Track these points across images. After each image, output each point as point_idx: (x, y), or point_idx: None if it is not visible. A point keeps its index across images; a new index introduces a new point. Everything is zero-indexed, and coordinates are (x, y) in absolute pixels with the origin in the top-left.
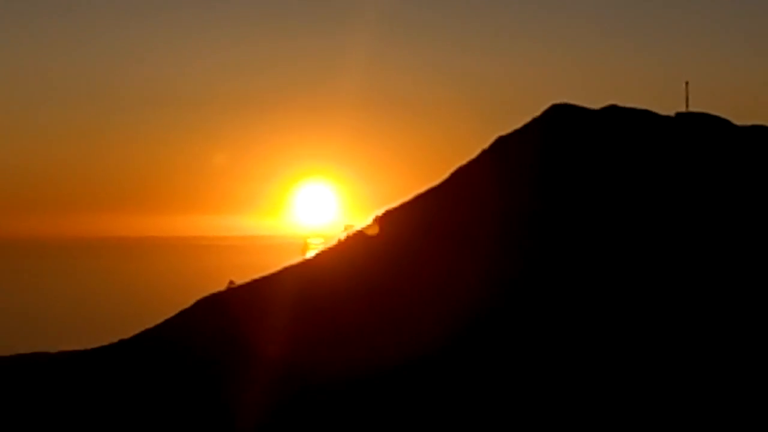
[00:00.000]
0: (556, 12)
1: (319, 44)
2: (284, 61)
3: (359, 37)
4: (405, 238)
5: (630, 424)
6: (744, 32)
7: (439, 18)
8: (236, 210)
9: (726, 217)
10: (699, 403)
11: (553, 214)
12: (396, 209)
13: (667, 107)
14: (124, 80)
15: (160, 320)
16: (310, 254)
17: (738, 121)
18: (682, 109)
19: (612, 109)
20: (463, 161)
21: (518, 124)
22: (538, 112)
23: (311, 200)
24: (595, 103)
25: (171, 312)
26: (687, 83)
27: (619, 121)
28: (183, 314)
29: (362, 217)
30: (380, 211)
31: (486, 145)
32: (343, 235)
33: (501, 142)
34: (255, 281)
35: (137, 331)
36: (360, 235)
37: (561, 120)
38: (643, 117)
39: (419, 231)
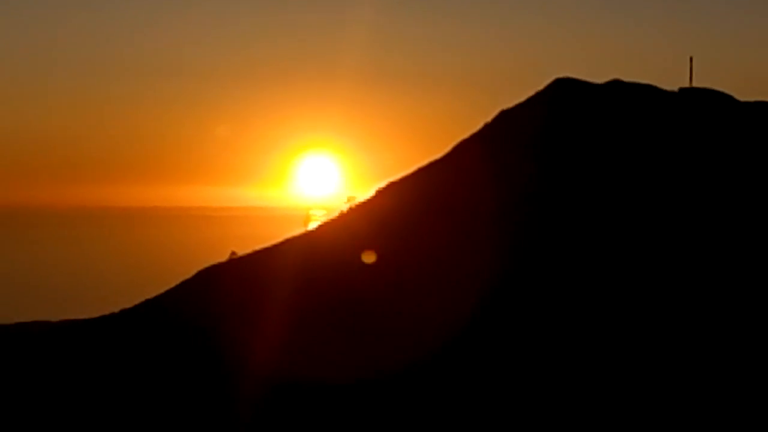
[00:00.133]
0: None
1: (322, 15)
2: (287, 32)
3: (362, 9)
4: (407, 211)
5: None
6: (748, 7)
7: None
8: (239, 181)
9: (729, 193)
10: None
11: (556, 188)
12: (398, 181)
13: (670, 82)
14: (127, 50)
15: (161, 290)
16: (312, 226)
17: (742, 97)
18: (686, 84)
19: (615, 83)
20: (466, 134)
21: (521, 98)
22: (541, 86)
23: (313, 172)
24: (599, 77)
25: (172, 282)
26: (691, 58)
27: (622, 95)
28: (184, 284)
29: (364, 189)
30: (382, 184)
31: (489, 118)
32: (345, 207)
33: (504, 115)
34: (257, 252)
35: (138, 300)
36: (362, 207)
37: (564, 94)
38: (647, 92)
39: (421, 203)
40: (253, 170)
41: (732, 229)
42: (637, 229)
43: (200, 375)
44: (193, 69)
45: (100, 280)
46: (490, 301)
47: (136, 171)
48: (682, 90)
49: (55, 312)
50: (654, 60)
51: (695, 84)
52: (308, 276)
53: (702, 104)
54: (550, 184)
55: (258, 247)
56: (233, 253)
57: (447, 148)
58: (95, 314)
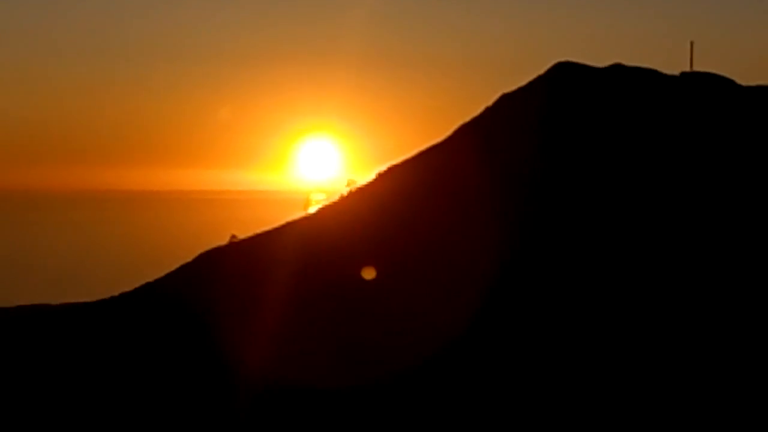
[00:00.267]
0: None
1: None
2: (290, 16)
3: None
4: (407, 194)
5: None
6: None
7: None
8: (239, 164)
9: (730, 177)
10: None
11: (557, 172)
12: (399, 165)
13: (671, 66)
14: (129, 33)
15: (161, 273)
16: (313, 209)
17: (743, 81)
18: (687, 68)
19: (616, 67)
20: (467, 118)
21: (522, 82)
22: (542, 70)
23: (314, 155)
24: (600, 61)
25: (173, 265)
26: (692, 43)
27: (623, 79)
28: (184, 268)
29: (365, 173)
30: (383, 167)
31: (490, 102)
32: (345, 191)
33: (505, 99)
34: (257, 236)
35: (139, 283)
36: (362, 191)
37: (565, 78)
38: (648, 76)
39: (422, 187)
40: (254, 154)
41: (733, 213)
42: (637, 213)
43: (199, 358)
44: (194, 52)
45: (100, 263)
46: (490, 285)
47: (136, 154)
48: (683, 74)
49: (56, 295)
50: (655, 44)
51: (696, 68)
52: (308, 259)
53: (703, 88)
54: (550, 168)
55: (258, 230)
56: (233, 236)
57: (448, 132)
58: (96, 297)
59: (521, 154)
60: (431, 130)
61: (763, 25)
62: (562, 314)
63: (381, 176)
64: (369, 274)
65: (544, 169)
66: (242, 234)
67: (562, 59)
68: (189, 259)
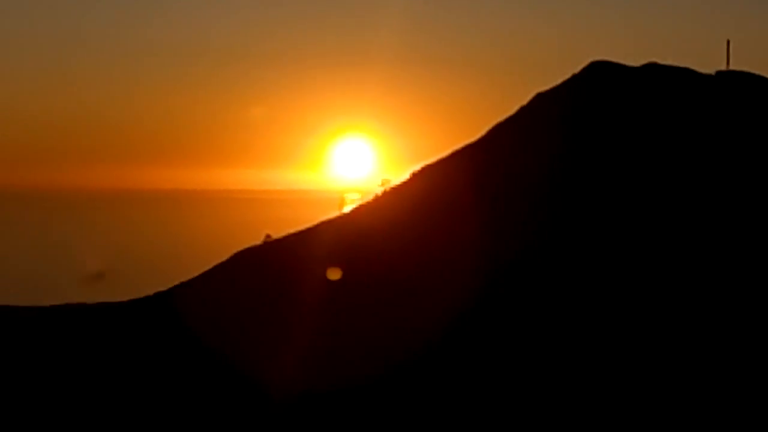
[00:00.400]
0: None
1: None
2: (324, 16)
3: None
4: (441, 194)
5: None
6: None
7: None
8: (275, 164)
9: (766, 176)
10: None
11: (591, 171)
12: (433, 165)
13: (707, 65)
14: (166, 32)
15: (196, 273)
16: (347, 209)
17: None
18: (723, 67)
19: (651, 66)
20: (501, 117)
21: (557, 81)
22: (577, 69)
23: (349, 155)
24: (635, 60)
25: (207, 265)
26: (728, 41)
27: (658, 78)
28: (219, 267)
29: (399, 172)
30: (417, 167)
31: (524, 101)
32: (380, 190)
33: (539, 98)
34: (291, 235)
35: (173, 283)
36: (397, 191)
37: (600, 77)
38: (683, 75)
39: (456, 187)
40: (291, 153)
41: None
42: (673, 212)
43: (233, 357)
44: (230, 52)
45: (135, 262)
46: (524, 284)
47: (173, 153)
48: (719, 73)
49: (92, 295)
50: (691, 43)
51: (732, 67)
52: (342, 259)
53: (739, 87)
54: (585, 167)
55: (293, 230)
56: (268, 236)
57: (482, 131)
58: (131, 297)
59: (556, 153)
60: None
61: None
62: (591, 318)
63: (415, 176)
64: (334, 274)
65: (580, 168)
66: (277, 233)
67: (597, 58)
68: (224, 258)
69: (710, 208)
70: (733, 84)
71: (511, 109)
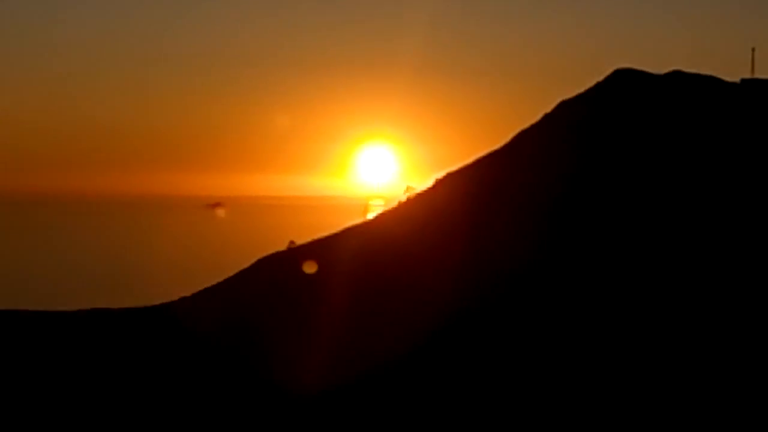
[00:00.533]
0: None
1: (382, 7)
2: (349, 25)
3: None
4: (465, 201)
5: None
6: None
7: None
8: (300, 170)
9: None
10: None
11: (616, 179)
12: (457, 172)
13: (732, 73)
14: (193, 40)
15: (220, 279)
16: (371, 215)
17: None
18: (748, 75)
19: (676, 74)
20: (525, 125)
21: (581, 89)
22: (601, 77)
23: (374, 162)
24: (659, 68)
25: (231, 271)
26: (753, 49)
27: (682, 86)
28: (243, 273)
29: (423, 180)
30: (441, 174)
31: (548, 109)
32: (404, 197)
33: (563, 106)
34: (315, 242)
35: (197, 288)
36: (421, 198)
37: (624, 85)
38: (708, 83)
39: (480, 194)
40: (315, 160)
41: None
42: (699, 220)
43: (256, 362)
44: (256, 60)
45: (159, 267)
46: (549, 289)
47: (198, 160)
48: (743, 81)
49: (116, 300)
50: (715, 51)
51: (757, 75)
52: (366, 266)
53: (764, 95)
54: (609, 175)
55: (317, 236)
56: (292, 242)
57: (506, 139)
58: (155, 302)
59: (580, 161)
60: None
61: None
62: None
63: (439, 183)
64: (310, 268)
65: (603, 176)
66: (301, 240)
67: (621, 66)
68: (247, 264)
69: (736, 215)
70: (758, 92)
71: (535, 117)
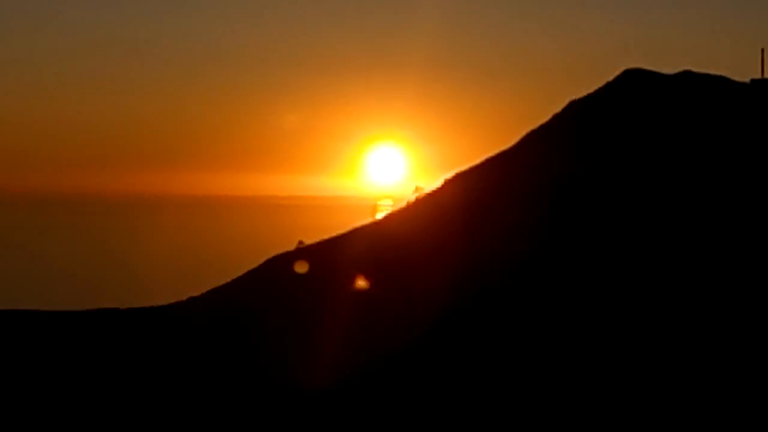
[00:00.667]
0: None
1: (391, 8)
2: (357, 27)
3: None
4: (475, 202)
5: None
6: None
7: None
8: (309, 170)
9: None
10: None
11: (626, 178)
12: (466, 172)
13: (742, 73)
14: (204, 40)
15: (229, 278)
16: (380, 216)
17: None
18: (758, 75)
19: (685, 74)
20: (535, 125)
21: (591, 89)
22: (611, 77)
23: (383, 162)
24: (669, 68)
25: (240, 270)
26: (763, 50)
27: (692, 86)
28: (252, 273)
29: (432, 180)
30: (450, 174)
31: (558, 109)
32: (412, 197)
33: (573, 106)
34: (324, 242)
35: (207, 288)
36: (430, 198)
37: (634, 85)
38: (718, 83)
39: (489, 194)
40: (324, 160)
41: None
42: (708, 219)
43: (264, 362)
44: (265, 60)
45: (169, 267)
46: (555, 288)
47: (207, 159)
48: (753, 81)
49: (125, 299)
50: (725, 51)
51: (767, 75)
52: (375, 266)
53: None
54: (619, 175)
55: (326, 236)
56: (301, 242)
57: (515, 139)
58: (165, 302)
59: (590, 161)
60: (499, 136)
61: None
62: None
63: (448, 183)
64: (301, 267)
65: (613, 176)
66: (309, 240)
67: (631, 66)
68: (257, 264)
69: (746, 215)
70: None
71: (545, 117)
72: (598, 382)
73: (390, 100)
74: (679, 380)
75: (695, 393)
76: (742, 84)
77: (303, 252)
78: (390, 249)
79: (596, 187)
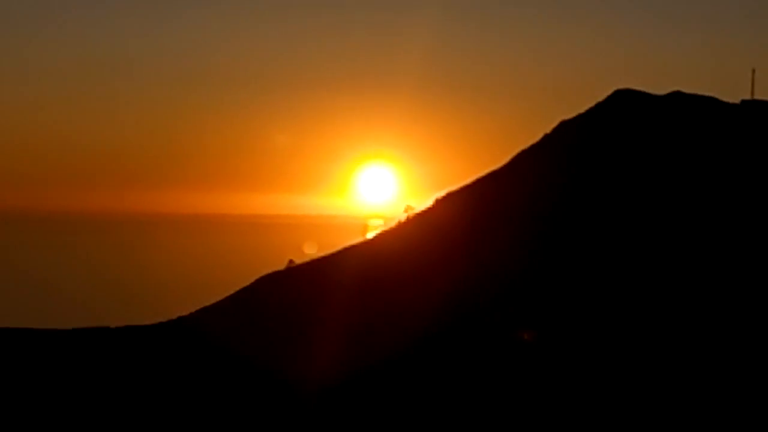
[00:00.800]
0: None
1: (380, 28)
2: (348, 46)
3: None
4: (465, 221)
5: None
6: None
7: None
8: (300, 189)
9: None
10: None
11: (616, 198)
12: (457, 192)
13: (732, 94)
14: (193, 60)
15: (219, 297)
16: (371, 235)
17: None
18: (748, 96)
19: (676, 95)
20: (526, 145)
21: (581, 109)
22: (601, 97)
23: (373, 181)
24: (659, 89)
25: (231, 289)
26: (754, 71)
27: (683, 107)
28: (243, 292)
29: (422, 199)
30: (441, 193)
31: (549, 129)
32: (403, 217)
33: (564, 126)
34: (314, 261)
35: (198, 306)
36: (421, 217)
37: (624, 105)
38: (708, 103)
39: (480, 214)
40: (315, 179)
41: None
42: (697, 239)
43: (258, 381)
44: (256, 79)
45: (159, 286)
46: (548, 306)
47: (198, 178)
48: (744, 102)
49: (115, 318)
50: (715, 72)
51: (757, 96)
52: (366, 285)
53: (764, 116)
54: (609, 194)
55: (316, 255)
56: (291, 261)
57: (506, 158)
58: (154, 321)
59: (581, 181)
60: (490, 156)
61: None
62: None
63: (439, 202)
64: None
65: (603, 196)
66: (300, 259)
67: (622, 86)
68: (247, 283)
69: (737, 234)
70: (758, 113)
71: (536, 137)
72: (584, 394)
73: (381, 119)
74: (665, 393)
75: (684, 404)
76: (733, 105)
77: (293, 271)
78: (381, 268)
79: (587, 206)
